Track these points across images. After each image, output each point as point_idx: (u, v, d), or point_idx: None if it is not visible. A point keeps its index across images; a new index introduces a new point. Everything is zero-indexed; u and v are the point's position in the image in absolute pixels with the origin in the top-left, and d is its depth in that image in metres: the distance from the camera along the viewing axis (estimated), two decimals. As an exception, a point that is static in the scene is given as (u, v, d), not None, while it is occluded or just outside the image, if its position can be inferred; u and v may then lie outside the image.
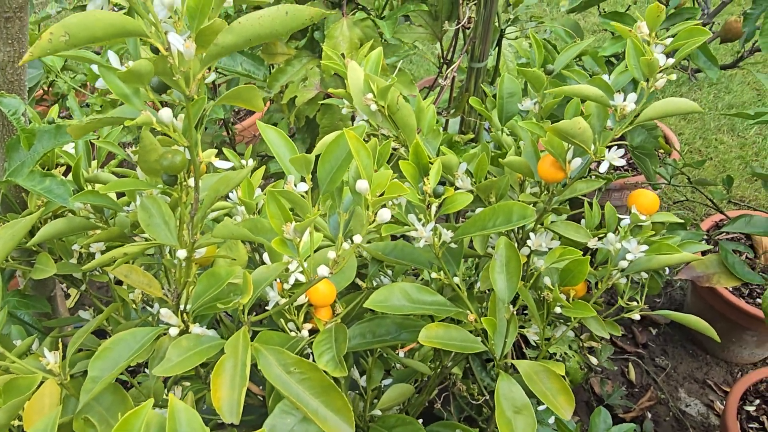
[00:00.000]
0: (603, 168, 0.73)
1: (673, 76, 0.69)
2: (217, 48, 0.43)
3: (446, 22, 1.19)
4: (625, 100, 0.72)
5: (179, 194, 0.54)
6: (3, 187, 0.70)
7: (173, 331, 0.59)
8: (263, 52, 1.23)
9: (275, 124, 1.30)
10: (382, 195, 0.49)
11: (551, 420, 1.34)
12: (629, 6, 1.83)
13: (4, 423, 0.54)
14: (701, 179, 1.60)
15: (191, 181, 0.54)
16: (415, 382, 1.10)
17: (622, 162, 0.72)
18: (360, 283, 0.91)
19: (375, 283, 0.96)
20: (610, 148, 0.74)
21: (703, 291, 1.97)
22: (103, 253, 0.85)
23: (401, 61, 1.11)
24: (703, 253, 2.00)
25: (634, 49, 0.70)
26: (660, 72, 0.70)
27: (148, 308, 0.91)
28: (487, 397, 1.49)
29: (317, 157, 0.59)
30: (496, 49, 1.36)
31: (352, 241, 0.54)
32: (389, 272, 0.98)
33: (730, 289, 1.95)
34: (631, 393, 2.04)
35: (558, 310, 0.80)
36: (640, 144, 1.69)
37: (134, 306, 0.89)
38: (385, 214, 0.51)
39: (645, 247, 0.79)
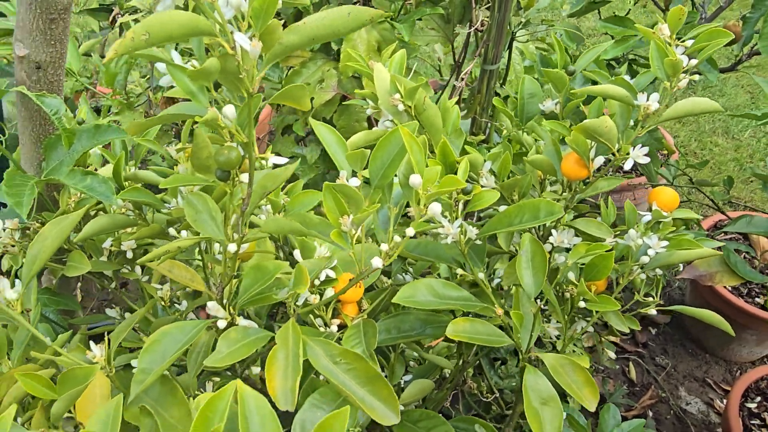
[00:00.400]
0: (628, 165, 0.75)
1: (696, 77, 0.72)
2: (281, 47, 0.45)
3: (458, 25, 1.22)
4: (648, 100, 0.75)
5: (230, 189, 0.56)
6: (39, 186, 0.72)
7: (221, 324, 0.61)
8: (278, 54, 1.24)
9: (290, 126, 1.32)
10: (433, 191, 0.51)
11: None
12: (629, 10, 1.87)
13: (61, 412, 0.56)
14: (702, 180, 1.63)
15: (243, 177, 0.55)
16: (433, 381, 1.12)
17: (647, 159, 0.75)
18: (384, 279, 0.93)
19: (397, 281, 0.97)
20: (633, 147, 0.76)
21: (703, 290, 2.00)
22: (134, 251, 0.87)
23: (416, 64, 1.13)
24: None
25: (658, 51, 0.72)
26: (683, 72, 0.72)
27: (176, 305, 0.93)
28: (497, 395, 1.52)
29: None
30: (507, 52, 1.38)
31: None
32: (410, 270, 1.00)
33: (729, 288, 1.98)
34: (633, 392, 2.06)
35: (582, 304, 0.82)
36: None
37: (163, 303, 0.90)
38: (435, 208, 0.53)
39: (666, 243, 0.81)
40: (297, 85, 0.54)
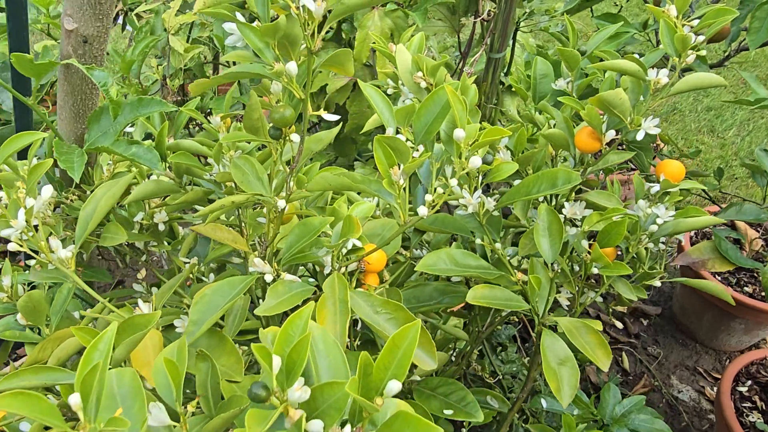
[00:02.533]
0: (639, 136, 0.80)
1: (704, 52, 0.77)
2: (342, 6, 0.49)
3: (464, 16, 1.27)
4: (657, 75, 0.80)
5: (281, 147, 0.60)
6: (86, 156, 0.75)
7: (268, 278, 0.65)
8: (291, 44, 1.28)
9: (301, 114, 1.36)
10: (478, 142, 0.56)
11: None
12: (621, 7, 1.93)
13: (121, 358, 0.59)
14: (694, 171, 1.69)
15: (293, 136, 0.59)
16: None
17: (658, 130, 0.80)
18: (404, 252, 0.97)
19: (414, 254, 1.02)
20: (645, 119, 0.81)
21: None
22: (165, 223, 0.90)
23: (425, 51, 1.17)
24: (695, 241, 2.10)
25: (668, 28, 0.78)
26: (690, 49, 0.77)
27: (203, 279, 0.96)
28: (500, 377, 1.56)
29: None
30: (511, 41, 1.44)
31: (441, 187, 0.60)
32: (427, 246, 1.04)
33: (719, 278, 2.04)
34: (626, 381, 2.12)
35: (595, 270, 0.87)
36: (634, 138, 1.77)
37: (190, 276, 0.94)
38: (476, 161, 0.57)
39: (673, 212, 0.86)
40: (342, 51, 0.58)
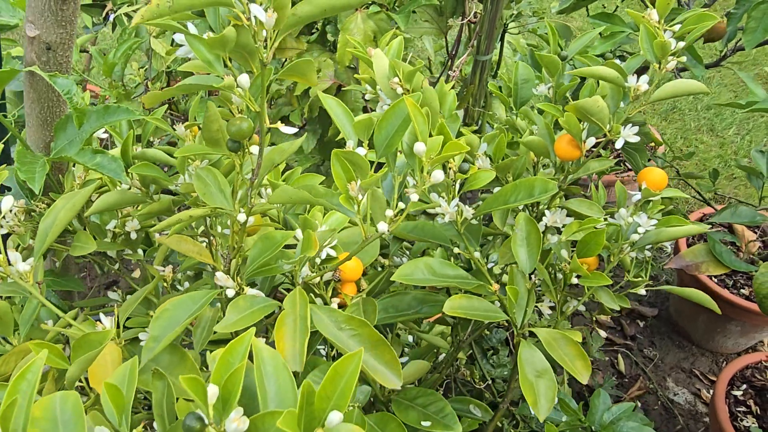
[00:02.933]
0: (619, 144, 0.78)
1: (683, 59, 0.75)
2: (294, 18, 0.47)
3: (451, 17, 1.25)
4: (638, 81, 0.78)
5: (241, 161, 0.58)
6: (48, 166, 0.73)
7: (230, 293, 0.63)
8: (275, 46, 1.27)
9: (287, 117, 1.34)
10: (438, 156, 0.54)
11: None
12: (617, 7, 1.90)
13: (75, 377, 0.58)
14: (689, 173, 1.67)
15: (253, 149, 0.58)
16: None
17: (637, 139, 0.78)
18: (383, 260, 0.96)
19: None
20: (624, 126, 0.79)
21: (690, 283, 2.04)
22: (137, 231, 0.89)
23: (410, 55, 1.16)
24: (692, 243, 2.08)
25: (647, 34, 0.76)
26: (671, 55, 0.75)
27: (178, 287, 0.94)
28: (489, 382, 1.55)
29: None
30: (499, 43, 1.42)
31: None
32: (407, 253, 1.03)
33: (715, 280, 2.02)
34: (621, 383, 2.10)
35: (575, 280, 0.85)
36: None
37: (165, 284, 0.92)
38: (438, 175, 0.55)
39: (655, 221, 0.84)
40: (304, 60, 0.56)
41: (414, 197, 0.56)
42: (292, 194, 0.57)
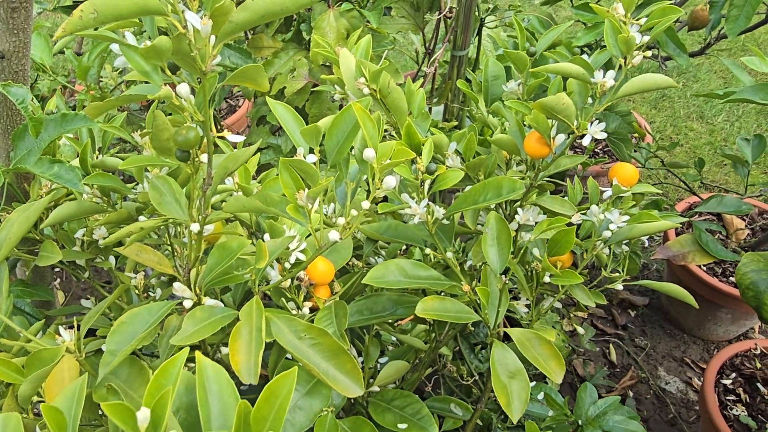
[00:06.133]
0: (586, 141, 0.77)
1: (649, 53, 0.73)
2: (231, 25, 0.46)
3: (428, 12, 1.23)
4: (604, 77, 0.76)
5: (191, 170, 0.57)
6: (8, 177, 0.72)
7: (187, 303, 0.62)
8: (250, 45, 1.25)
9: (264, 117, 1.33)
10: (388, 162, 0.53)
11: (540, 396, 1.39)
12: (600, -3, 1.88)
13: (28, 394, 0.57)
14: (674, 162, 1.66)
15: (203, 157, 0.57)
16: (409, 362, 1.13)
17: (604, 135, 0.77)
18: (356, 262, 0.95)
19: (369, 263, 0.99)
20: (591, 123, 0.78)
21: (679, 271, 2.03)
22: (105, 239, 0.88)
23: (386, 52, 1.14)
24: (679, 232, 2.07)
25: (612, 29, 0.74)
26: (636, 50, 0.74)
27: (150, 294, 0.93)
28: (476, 378, 1.54)
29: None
30: (476, 38, 1.40)
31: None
32: (383, 253, 1.02)
33: (704, 268, 2.01)
34: (613, 373, 2.10)
35: (547, 279, 0.84)
36: (615, 129, 1.74)
37: (137, 291, 0.91)
38: (390, 181, 0.54)
39: (626, 217, 0.83)
40: (253, 66, 0.55)
41: (365, 205, 0.55)
42: (245, 203, 0.56)
